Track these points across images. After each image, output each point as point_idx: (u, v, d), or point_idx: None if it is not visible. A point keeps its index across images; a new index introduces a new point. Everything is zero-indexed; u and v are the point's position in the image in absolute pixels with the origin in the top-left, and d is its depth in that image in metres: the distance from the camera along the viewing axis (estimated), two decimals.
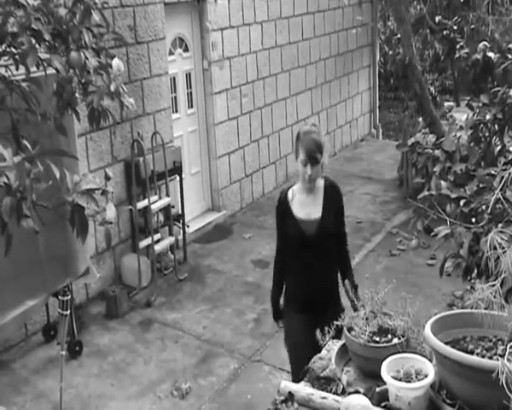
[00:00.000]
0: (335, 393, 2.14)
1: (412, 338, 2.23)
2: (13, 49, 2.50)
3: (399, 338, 2.22)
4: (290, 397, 2.14)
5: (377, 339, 2.24)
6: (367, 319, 2.32)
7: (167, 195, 6.68)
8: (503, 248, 2.14)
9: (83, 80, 2.63)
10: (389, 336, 2.26)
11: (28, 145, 2.26)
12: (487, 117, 4.51)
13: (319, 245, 3.64)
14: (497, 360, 1.79)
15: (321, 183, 3.73)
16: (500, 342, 1.97)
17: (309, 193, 3.69)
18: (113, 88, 2.64)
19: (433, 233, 3.54)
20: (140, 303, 6.34)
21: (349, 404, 1.97)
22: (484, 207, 3.37)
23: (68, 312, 4.59)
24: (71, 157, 3.36)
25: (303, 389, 2.17)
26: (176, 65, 7.53)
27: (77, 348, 5.46)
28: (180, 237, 7.10)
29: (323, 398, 2.10)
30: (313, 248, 3.64)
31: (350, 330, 2.30)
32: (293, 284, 3.80)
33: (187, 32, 7.71)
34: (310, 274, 3.69)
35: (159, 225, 6.67)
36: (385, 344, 2.21)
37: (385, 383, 2.00)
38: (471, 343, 2.00)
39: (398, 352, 2.12)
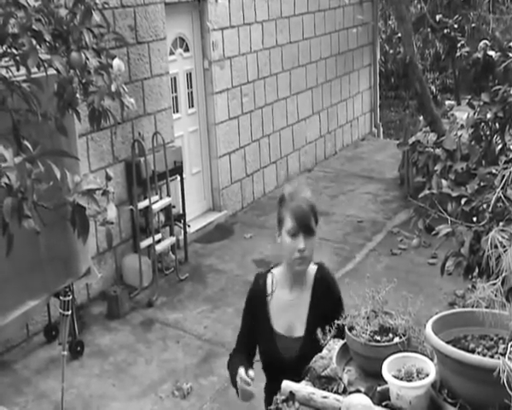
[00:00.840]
0: (336, 392, 2.14)
1: (413, 337, 2.22)
2: (13, 50, 2.49)
3: (400, 337, 2.21)
4: (291, 396, 2.14)
5: (378, 338, 2.24)
6: (368, 318, 2.32)
7: (168, 195, 6.68)
8: (504, 246, 2.14)
9: (83, 81, 2.63)
10: (390, 335, 2.25)
11: (29, 146, 2.26)
12: (488, 116, 4.52)
13: (301, 367, 2.43)
14: (499, 358, 1.79)
15: (311, 272, 2.79)
16: (501, 341, 1.97)
17: (294, 286, 2.78)
18: (113, 88, 2.63)
19: (434, 232, 3.55)
20: (141, 303, 6.34)
21: (350, 403, 1.97)
22: (485, 205, 3.37)
23: (70, 312, 4.60)
24: (72, 157, 3.36)
25: (304, 388, 2.17)
26: (176, 65, 7.54)
27: (78, 349, 5.47)
28: (181, 237, 7.11)
29: (324, 397, 2.10)
30: (292, 370, 2.49)
31: (351, 329, 2.30)
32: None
33: (187, 32, 7.71)
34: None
35: (160, 225, 6.67)
36: (386, 343, 2.20)
37: (386, 383, 2.00)
38: (472, 342, 2.00)
39: (400, 351, 2.11)
